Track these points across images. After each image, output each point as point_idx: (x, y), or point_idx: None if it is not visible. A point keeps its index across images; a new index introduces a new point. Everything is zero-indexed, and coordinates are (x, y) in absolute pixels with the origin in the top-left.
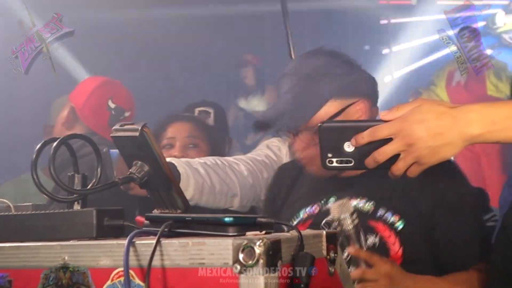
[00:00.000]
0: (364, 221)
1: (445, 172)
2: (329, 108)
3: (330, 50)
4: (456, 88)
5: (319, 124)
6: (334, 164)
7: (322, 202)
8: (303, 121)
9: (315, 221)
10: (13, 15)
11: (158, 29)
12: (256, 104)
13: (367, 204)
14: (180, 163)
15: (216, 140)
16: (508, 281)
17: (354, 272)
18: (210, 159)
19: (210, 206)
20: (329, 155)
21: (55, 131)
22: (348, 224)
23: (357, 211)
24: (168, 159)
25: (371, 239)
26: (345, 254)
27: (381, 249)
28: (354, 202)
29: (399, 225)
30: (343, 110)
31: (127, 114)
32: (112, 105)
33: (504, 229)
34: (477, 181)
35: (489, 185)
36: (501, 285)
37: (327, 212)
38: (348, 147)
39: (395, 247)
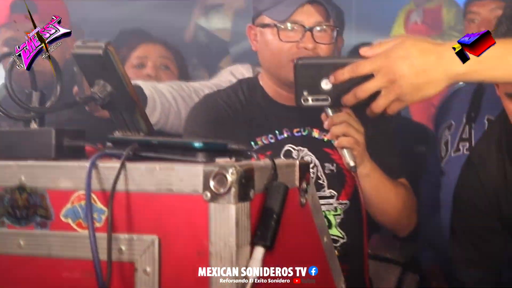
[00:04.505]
0: (319, 147)
1: None
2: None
3: None
4: (414, 26)
5: (295, 61)
6: (310, 102)
7: (277, 132)
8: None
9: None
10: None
11: None
12: (217, 22)
13: (321, 134)
14: (146, 86)
15: (185, 65)
16: (472, 213)
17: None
18: (176, 83)
19: (175, 132)
20: (305, 93)
21: None
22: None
23: (313, 139)
24: (134, 82)
25: (328, 167)
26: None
27: (339, 176)
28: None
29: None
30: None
31: None
32: None
33: (471, 164)
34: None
35: None
36: (465, 217)
37: (283, 143)
38: (326, 85)
39: (351, 174)
